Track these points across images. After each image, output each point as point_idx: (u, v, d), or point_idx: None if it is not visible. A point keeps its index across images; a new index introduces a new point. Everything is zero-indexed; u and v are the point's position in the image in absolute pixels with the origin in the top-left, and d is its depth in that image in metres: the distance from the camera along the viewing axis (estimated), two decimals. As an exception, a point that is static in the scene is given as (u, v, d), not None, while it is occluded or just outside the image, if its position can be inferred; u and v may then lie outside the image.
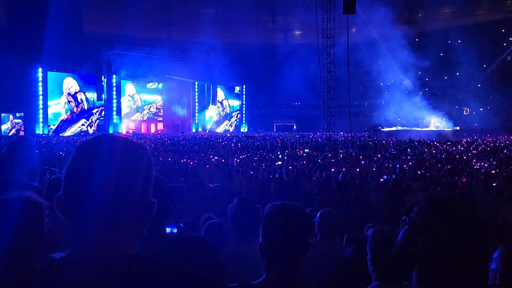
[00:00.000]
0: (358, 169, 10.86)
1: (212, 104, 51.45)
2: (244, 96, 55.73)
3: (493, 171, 10.51)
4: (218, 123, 53.23)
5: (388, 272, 1.83)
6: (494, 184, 8.16)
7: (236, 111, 55.74)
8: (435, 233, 1.13)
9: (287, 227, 1.60)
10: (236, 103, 55.62)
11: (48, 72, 35.59)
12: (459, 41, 45.04)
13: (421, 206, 1.20)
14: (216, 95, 52.27)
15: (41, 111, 34.91)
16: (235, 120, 55.74)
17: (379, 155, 16.06)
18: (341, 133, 33.97)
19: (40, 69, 34.64)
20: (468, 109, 46.44)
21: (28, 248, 1.46)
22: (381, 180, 8.95)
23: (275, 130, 53.66)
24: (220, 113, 53.57)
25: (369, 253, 1.90)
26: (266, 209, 1.69)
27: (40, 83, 34.92)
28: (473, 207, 1.24)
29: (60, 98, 36.88)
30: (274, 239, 1.60)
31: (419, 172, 10.40)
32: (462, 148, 20.79)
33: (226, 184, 10.00)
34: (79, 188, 0.93)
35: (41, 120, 34.92)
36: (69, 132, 36.92)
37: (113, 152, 0.96)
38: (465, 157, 15.41)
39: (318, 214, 3.34)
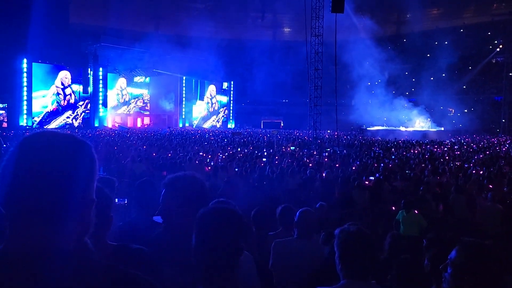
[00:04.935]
0: (342, 168, 10.94)
1: (200, 99, 51.21)
2: (232, 92, 55.57)
3: (474, 171, 10.67)
4: (205, 118, 53.02)
5: (355, 271, 1.86)
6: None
7: (223, 107, 55.59)
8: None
9: (216, 230, 1.54)
10: (223, 99, 55.45)
11: (35, 64, 35.05)
12: (446, 42, 45.52)
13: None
14: (205, 90, 52.04)
15: (25, 102, 34.37)
16: (222, 116, 55.59)
17: (361, 156, 16.17)
18: (328, 131, 34.10)
19: (25, 60, 34.05)
20: (453, 110, 46.98)
21: None
22: (366, 183, 9.01)
23: (262, 127, 53.65)
24: (208, 109, 53.35)
25: (337, 252, 1.92)
26: (199, 212, 1.61)
27: (25, 74, 34.37)
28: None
29: (49, 89, 36.35)
30: (205, 243, 1.53)
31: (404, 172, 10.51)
32: (445, 149, 21.05)
33: (210, 180, 9.99)
34: (15, 183, 0.93)
35: (25, 111, 34.39)
36: (53, 125, 36.44)
37: (52, 149, 0.97)
38: (447, 158, 15.64)
39: (297, 213, 3.38)
